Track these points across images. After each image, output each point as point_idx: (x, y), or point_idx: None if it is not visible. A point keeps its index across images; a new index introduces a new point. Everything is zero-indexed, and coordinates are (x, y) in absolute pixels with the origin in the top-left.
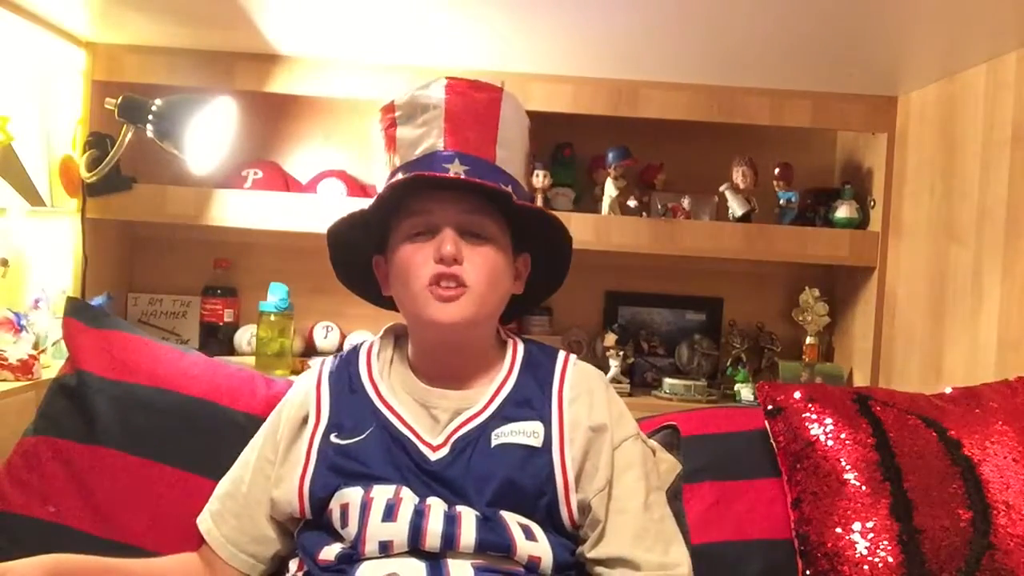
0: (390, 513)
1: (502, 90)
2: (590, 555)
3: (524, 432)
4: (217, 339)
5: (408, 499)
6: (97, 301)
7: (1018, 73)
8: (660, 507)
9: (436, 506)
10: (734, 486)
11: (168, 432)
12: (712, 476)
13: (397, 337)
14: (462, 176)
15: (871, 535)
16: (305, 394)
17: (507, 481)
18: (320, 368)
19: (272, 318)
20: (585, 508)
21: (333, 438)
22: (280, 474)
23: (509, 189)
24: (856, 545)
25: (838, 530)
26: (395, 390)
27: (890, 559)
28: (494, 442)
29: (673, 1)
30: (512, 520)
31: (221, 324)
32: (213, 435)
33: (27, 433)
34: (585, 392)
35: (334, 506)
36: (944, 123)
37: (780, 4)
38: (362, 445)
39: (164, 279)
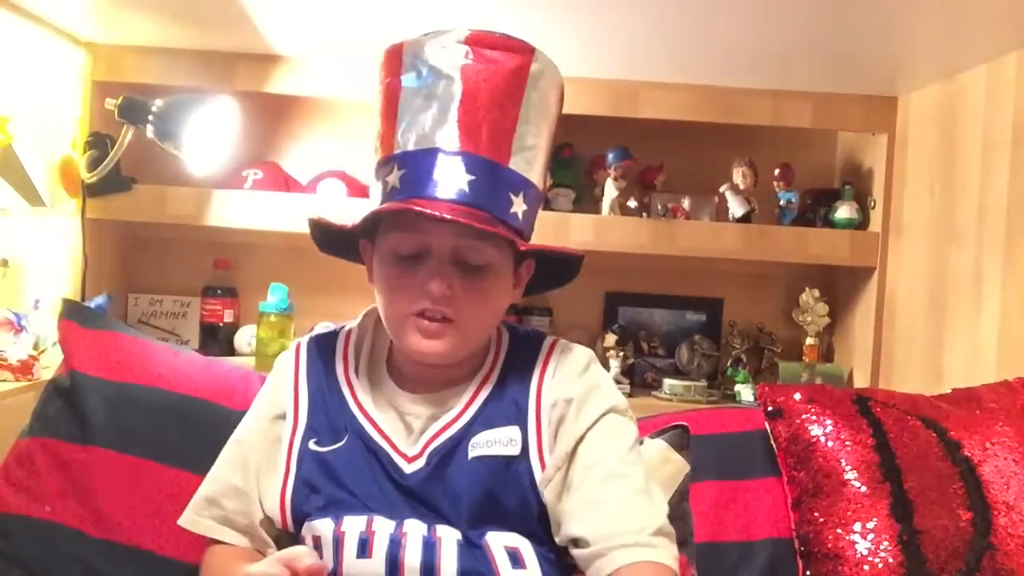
0: (364, 548)
1: (532, 54)
2: (559, 542)
3: (501, 441)
4: (217, 340)
5: (383, 530)
6: (97, 302)
7: (1018, 73)
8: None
9: (414, 531)
10: (734, 485)
11: (162, 430)
12: (713, 476)
13: (377, 323)
14: (462, 206)
15: (871, 535)
16: (282, 388)
17: (486, 496)
18: (296, 357)
19: (272, 318)
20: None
21: (312, 444)
22: (267, 480)
23: (520, 215)
24: (856, 545)
25: (838, 530)
26: (370, 391)
27: (890, 559)
28: (471, 453)
29: (673, 1)
30: (497, 545)
31: (221, 324)
32: (207, 433)
33: (23, 434)
34: (563, 373)
35: (306, 534)
36: (944, 123)
37: (780, 4)
38: (338, 455)
39: (164, 279)
